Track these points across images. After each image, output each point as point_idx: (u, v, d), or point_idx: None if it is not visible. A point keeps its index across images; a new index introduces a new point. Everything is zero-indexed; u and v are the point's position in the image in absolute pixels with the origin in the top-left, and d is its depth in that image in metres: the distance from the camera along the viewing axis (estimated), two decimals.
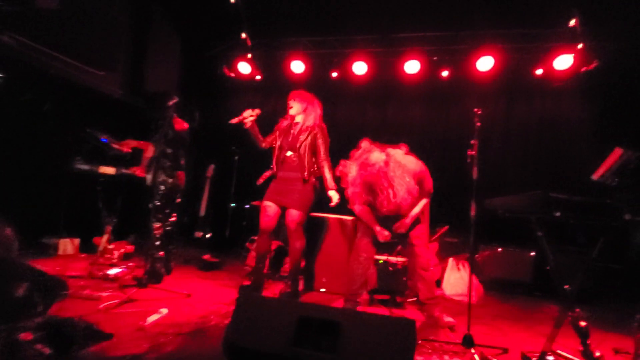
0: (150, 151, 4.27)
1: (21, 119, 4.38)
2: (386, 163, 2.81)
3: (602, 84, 5.27)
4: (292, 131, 3.58)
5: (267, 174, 3.64)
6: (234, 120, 3.47)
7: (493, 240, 4.99)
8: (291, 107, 3.59)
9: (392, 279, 3.86)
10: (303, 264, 3.80)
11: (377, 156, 2.85)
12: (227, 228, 6.07)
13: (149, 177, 3.95)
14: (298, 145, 3.50)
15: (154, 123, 4.11)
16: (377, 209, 2.97)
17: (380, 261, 3.87)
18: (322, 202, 4.37)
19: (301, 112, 3.58)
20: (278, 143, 3.60)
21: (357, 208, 3.15)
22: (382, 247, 3.54)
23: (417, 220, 3.19)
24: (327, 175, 3.49)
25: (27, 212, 4.33)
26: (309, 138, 3.50)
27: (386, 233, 3.16)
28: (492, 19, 5.32)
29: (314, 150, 3.54)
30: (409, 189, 2.80)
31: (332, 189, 3.45)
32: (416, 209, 3.11)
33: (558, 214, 2.01)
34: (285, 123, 3.68)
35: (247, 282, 3.61)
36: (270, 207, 3.50)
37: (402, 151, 2.97)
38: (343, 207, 4.40)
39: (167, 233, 4.03)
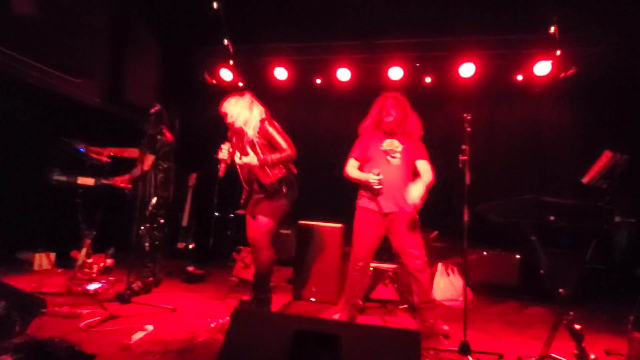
0: (148, 164, 3.88)
1: None
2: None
3: (584, 88, 5.38)
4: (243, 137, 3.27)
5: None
6: (223, 170, 3.17)
7: (478, 244, 5.00)
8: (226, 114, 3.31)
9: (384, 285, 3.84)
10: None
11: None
12: (211, 238, 5.94)
13: (143, 190, 3.79)
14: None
15: (146, 136, 3.83)
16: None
17: (371, 268, 3.83)
18: (310, 210, 4.33)
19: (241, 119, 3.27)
20: (237, 154, 3.26)
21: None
22: (377, 255, 3.44)
23: (413, 222, 3.13)
24: (273, 156, 3.17)
25: (0, 226, 4.15)
26: (259, 148, 3.18)
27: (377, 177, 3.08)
28: (472, 25, 5.38)
29: (274, 148, 3.23)
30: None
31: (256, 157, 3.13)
32: (426, 176, 3.17)
33: (552, 217, 2.01)
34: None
35: (234, 295, 3.50)
36: (250, 219, 3.34)
37: None
38: (331, 214, 4.38)
39: (156, 244, 3.91)
